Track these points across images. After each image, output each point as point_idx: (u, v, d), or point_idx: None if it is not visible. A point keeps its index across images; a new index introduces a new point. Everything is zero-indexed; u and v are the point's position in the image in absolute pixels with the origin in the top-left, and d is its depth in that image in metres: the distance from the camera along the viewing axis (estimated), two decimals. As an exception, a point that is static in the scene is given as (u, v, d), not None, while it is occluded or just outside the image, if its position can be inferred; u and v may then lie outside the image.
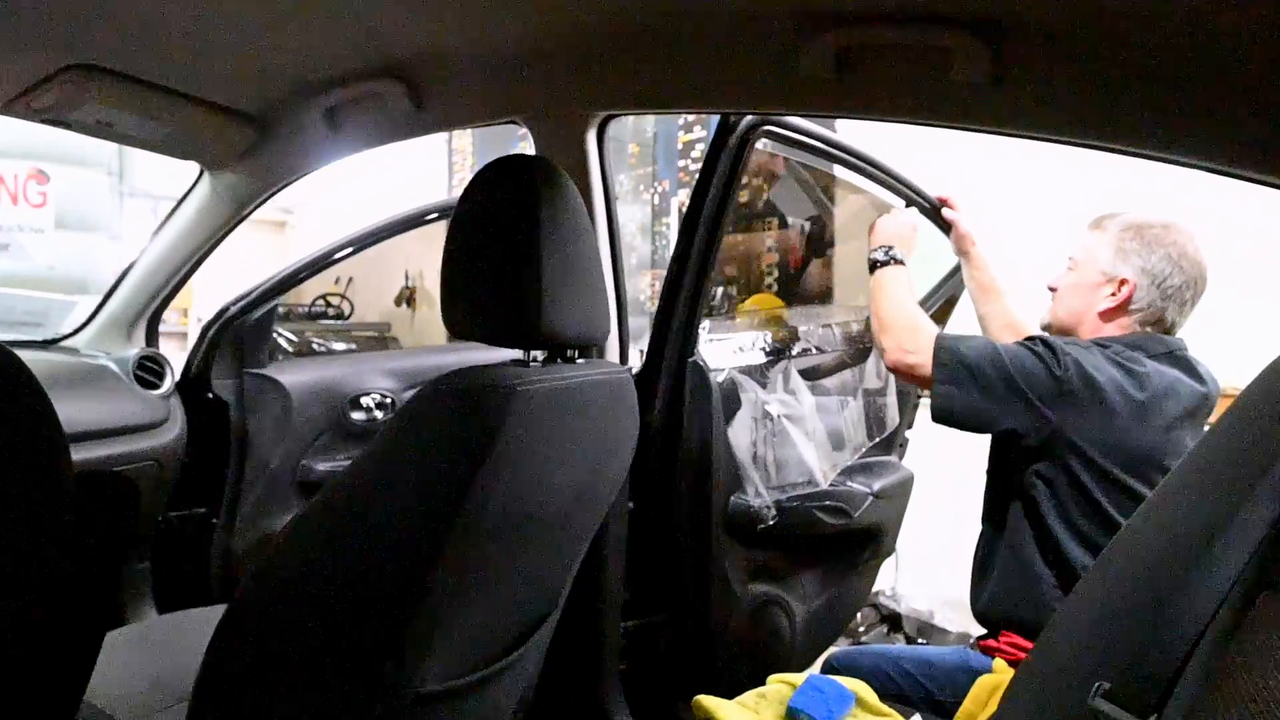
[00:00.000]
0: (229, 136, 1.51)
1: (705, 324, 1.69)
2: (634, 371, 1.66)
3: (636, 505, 1.65)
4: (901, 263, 1.70)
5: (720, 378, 1.67)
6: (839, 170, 1.95)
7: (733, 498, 1.71)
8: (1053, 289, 1.63)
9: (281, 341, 4.08)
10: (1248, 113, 0.96)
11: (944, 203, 1.96)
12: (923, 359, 1.48)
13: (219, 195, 1.69)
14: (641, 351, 1.70)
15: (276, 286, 2.12)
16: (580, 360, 1.22)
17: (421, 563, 0.97)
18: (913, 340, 1.54)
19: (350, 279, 5.58)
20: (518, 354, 1.09)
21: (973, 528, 1.82)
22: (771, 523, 1.69)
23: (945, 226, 2.03)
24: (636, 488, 1.64)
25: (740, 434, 1.71)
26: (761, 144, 1.59)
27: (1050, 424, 1.39)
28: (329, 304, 5.46)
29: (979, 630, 1.86)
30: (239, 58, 1.33)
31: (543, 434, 1.05)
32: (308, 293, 5.28)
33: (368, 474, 0.99)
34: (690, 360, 1.64)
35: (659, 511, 1.66)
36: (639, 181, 5.19)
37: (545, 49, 1.29)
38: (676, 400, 1.64)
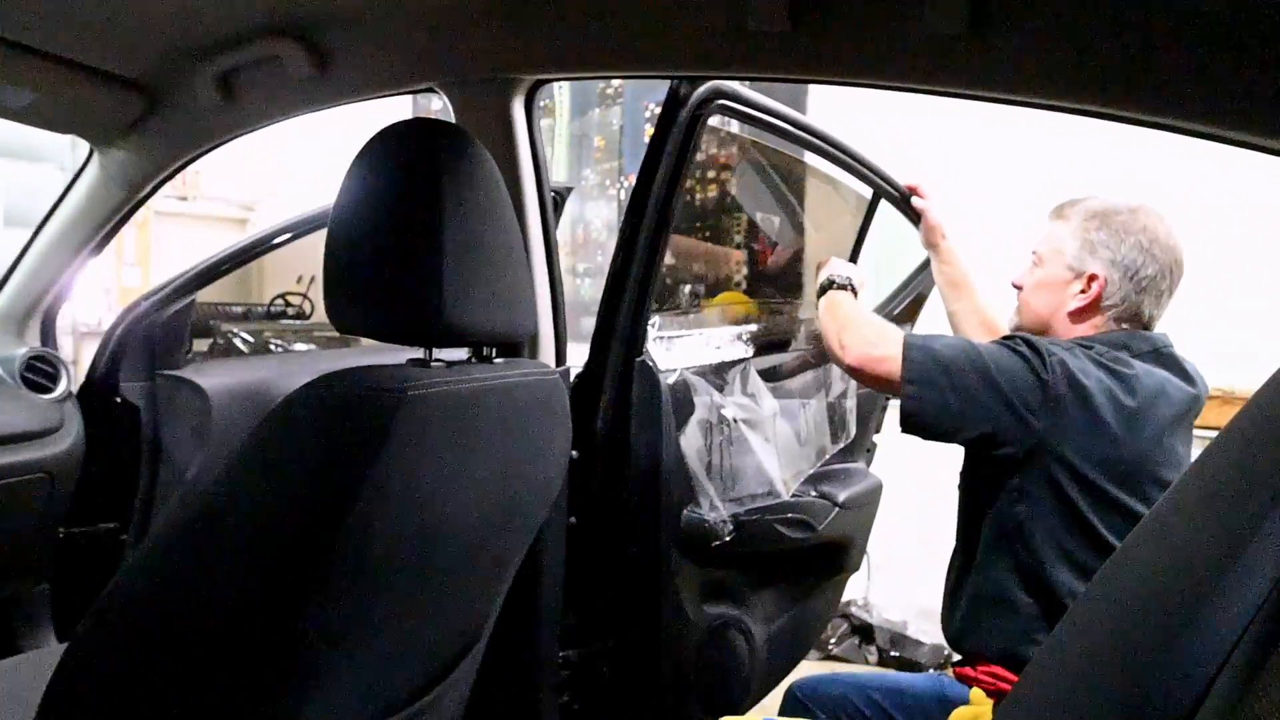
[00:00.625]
0: (113, 107, 1.34)
1: (655, 320, 1.53)
2: (577, 373, 1.51)
3: (578, 521, 1.49)
4: (854, 291, 1.57)
5: (671, 379, 1.52)
6: (809, 157, 1.80)
7: (685, 511, 1.55)
8: (1017, 286, 1.49)
9: (237, 342, 3.89)
10: (1256, 70, 0.82)
11: (913, 191, 1.82)
12: (890, 353, 1.33)
13: (110, 176, 1.51)
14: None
15: (195, 280, 1.95)
16: (500, 360, 1.06)
17: (291, 602, 0.81)
18: (879, 335, 1.40)
19: (312, 278, 5.38)
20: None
21: (948, 533, 1.68)
22: (728, 538, 1.54)
23: (914, 217, 1.89)
24: (577, 501, 1.48)
25: (693, 441, 1.56)
26: (717, 120, 1.44)
27: (1035, 433, 1.25)
28: (289, 303, 5.26)
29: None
30: (114, 14, 1.16)
31: (445, 446, 0.89)
32: (268, 292, 5.08)
33: (222, 498, 0.82)
34: (638, 360, 1.48)
35: (603, 527, 1.50)
36: (604, 176, 5.03)
37: (464, 4, 1.13)
38: (622, 404, 1.49)
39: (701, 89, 1.37)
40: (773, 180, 1.91)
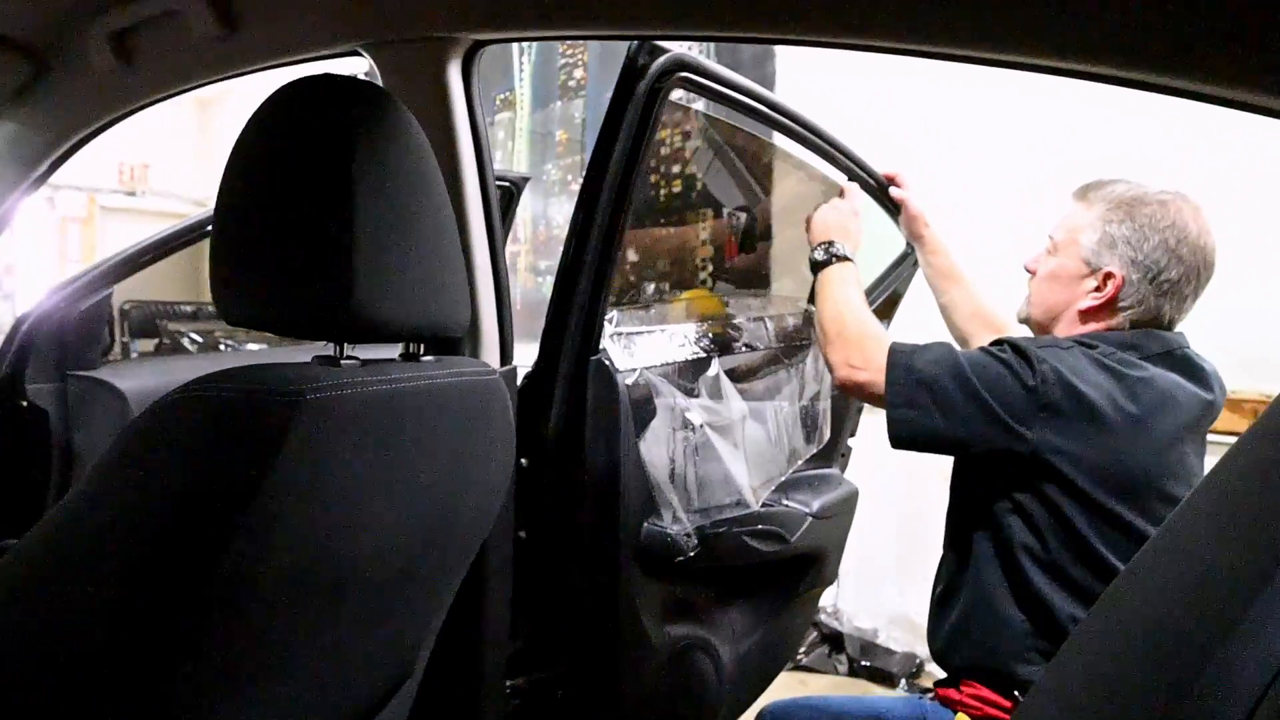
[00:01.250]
0: (-5, 71, 1.18)
1: (613, 315, 1.40)
2: (525, 373, 1.37)
3: (527, 535, 1.36)
4: (847, 259, 1.46)
5: (630, 380, 1.39)
6: (778, 139, 1.68)
7: (646, 524, 1.42)
8: (1029, 271, 1.37)
9: (185, 342, 3.72)
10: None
11: (891, 180, 1.71)
12: (874, 376, 1.25)
13: (1, 153, 1.35)
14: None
15: (110, 272, 1.78)
16: (428, 359, 0.92)
17: (163, 643, 0.67)
18: (861, 354, 1.30)
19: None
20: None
21: (921, 539, 1.57)
22: (692, 553, 1.41)
23: (894, 208, 1.77)
24: (526, 514, 1.34)
25: (655, 447, 1.43)
26: (678, 95, 1.31)
27: (1026, 444, 1.14)
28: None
29: (926, 650, 1.61)
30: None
31: (357, 458, 0.76)
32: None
33: (70, 529, 0.68)
34: (592, 359, 1.35)
35: (555, 542, 1.37)
36: (567, 171, 4.89)
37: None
38: (575, 408, 1.35)
39: (662, 59, 1.24)
40: (735, 165, 1.79)
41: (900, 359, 1.24)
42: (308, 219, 0.75)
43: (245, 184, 0.76)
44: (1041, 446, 1.13)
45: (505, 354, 1.22)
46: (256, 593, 0.70)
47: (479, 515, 1.01)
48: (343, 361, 0.79)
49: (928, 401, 1.18)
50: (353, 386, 0.75)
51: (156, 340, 3.12)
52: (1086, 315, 1.28)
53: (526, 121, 4.96)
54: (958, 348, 1.28)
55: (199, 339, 3.99)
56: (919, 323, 2.33)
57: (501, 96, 5.04)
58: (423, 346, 0.92)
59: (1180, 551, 0.67)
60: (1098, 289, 1.26)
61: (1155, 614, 0.63)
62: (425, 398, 0.84)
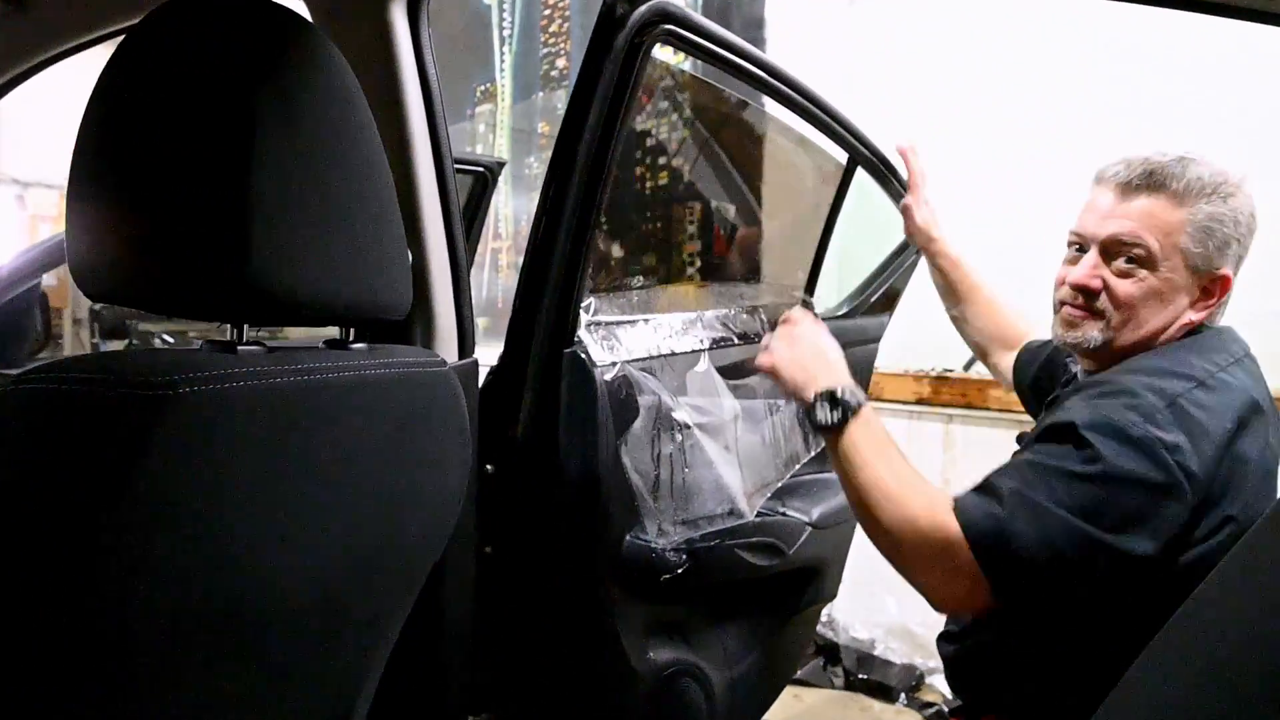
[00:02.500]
0: None
1: (590, 303, 1.25)
2: (491, 368, 1.22)
3: (494, 550, 1.20)
4: (860, 406, 1.10)
5: (609, 375, 1.23)
6: (770, 107, 1.53)
7: (628, 537, 1.27)
8: (1089, 288, 1.09)
9: (156, 342, 3.56)
10: None
11: (903, 156, 1.55)
12: (971, 582, 0.95)
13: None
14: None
15: (37, 261, 1.62)
16: (360, 347, 0.77)
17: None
18: (947, 556, 0.96)
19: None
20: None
21: None
22: (680, 570, 1.26)
23: (898, 190, 1.62)
24: (493, 526, 1.19)
25: (638, 451, 1.27)
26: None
27: (1179, 549, 0.95)
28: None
29: (926, 662, 1.45)
30: None
31: (251, 467, 0.60)
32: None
33: None
34: (566, 352, 1.20)
35: (525, 558, 1.21)
36: (550, 165, 4.73)
37: None
38: (547, 406, 1.20)
39: (643, 8, 1.09)
40: (721, 157, 1.64)
41: (987, 538, 0.94)
42: (193, 169, 0.59)
43: (113, 127, 0.61)
44: (1188, 538, 0.95)
45: (464, 345, 1.06)
46: (124, 639, 0.54)
47: (428, 531, 0.85)
48: (241, 348, 0.63)
49: (1051, 577, 0.93)
50: (248, 378, 0.59)
51: (126, 341, 2.96)
52: (1189, 327, 1.08)
53: (508, 114, 4.80)
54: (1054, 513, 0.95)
55: (170, 339, 3.83)
56: (917, 323, 2.19)
57: (482, 88, 4.89)
58: (352, 333, 0.77)
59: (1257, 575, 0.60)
60: (1207, 296, 1.07)
61: (1228, 646, 0.57)
62: (349, 392, 0.69)
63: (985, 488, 1.00)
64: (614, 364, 1.25)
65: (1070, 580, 0.94)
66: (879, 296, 1.92)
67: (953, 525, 0.96)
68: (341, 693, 0.84)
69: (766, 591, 1.47)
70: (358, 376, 0.69)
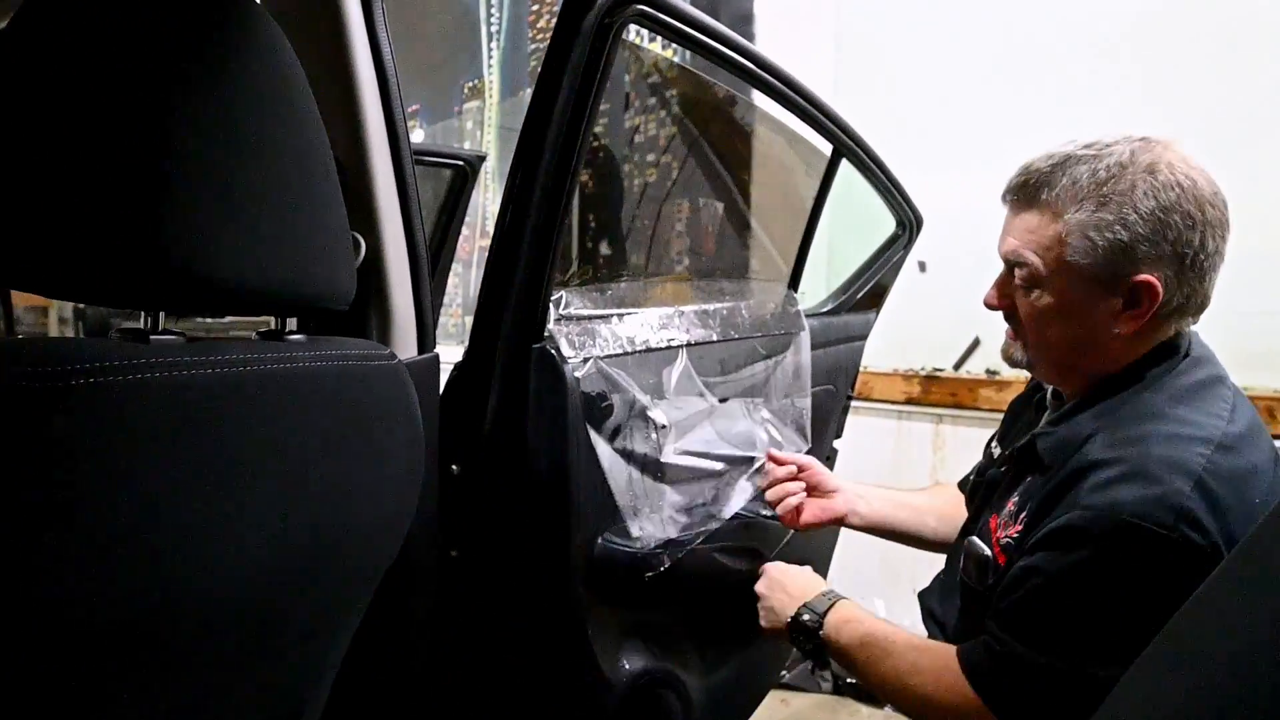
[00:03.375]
0: None
1: (560, 295, 1.20)
2: (456, 363, 1.17)
3: (461, 554, 1.16)
4: (836, 600, 1.18)
5: (582, 371, 1.18)
6: (753, 95, 1.48)
7: (600, 539, 1.22)
8: (996, 306, 1.09)
9: None
10: None
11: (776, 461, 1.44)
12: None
13: None
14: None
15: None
16: (298, 337, 0.72)
17: None
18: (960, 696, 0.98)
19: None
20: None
21: (909, 548, 1.37)
22: (655, 574, 1.21)
23: (888, 187, 1.58)
24: (460, 529, 1.14)
25: (611, 451, 1.22)
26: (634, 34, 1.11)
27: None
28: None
29: None
30: None
31: (162, 466, 0.55)
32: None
33: None
34: (535, 348, 1.15)
35: (493, 562, 1.16)
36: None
37: None
38: (515, 404, 1.15)
39: (613, -13, 1.04)
40: (709, 155, 1.60)
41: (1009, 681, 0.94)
42: (99, 140, 0.54)
43: (12, 96, 0.56)
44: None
45: (424, 339, 1.01)
46: (18, 652, 0.49)
47: (374, 534, 0.80)
48: (155, 338, 0.58)
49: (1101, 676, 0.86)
50: (159, 369, 0.54)
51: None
52: (1125, 340, 1.00)
53: (496, 111, 4.75)
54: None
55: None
56: (906, 321, 2.15)
57: (470, 85, 4.84)
58: (291, 323, 0.72)
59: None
60: (1130, 305, 0.98)
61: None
62: (278, 386, 0.64)
63: (995, 654, 0.97)
64: (586, 359, 1.20)
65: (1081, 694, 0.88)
66: (865, 293, 1.88)
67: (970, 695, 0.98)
68: (286, 707, 0.79)
69: (748, 597, 1.42)
70: (288, 369, 0.64)
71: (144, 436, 0.53)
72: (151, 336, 0.58)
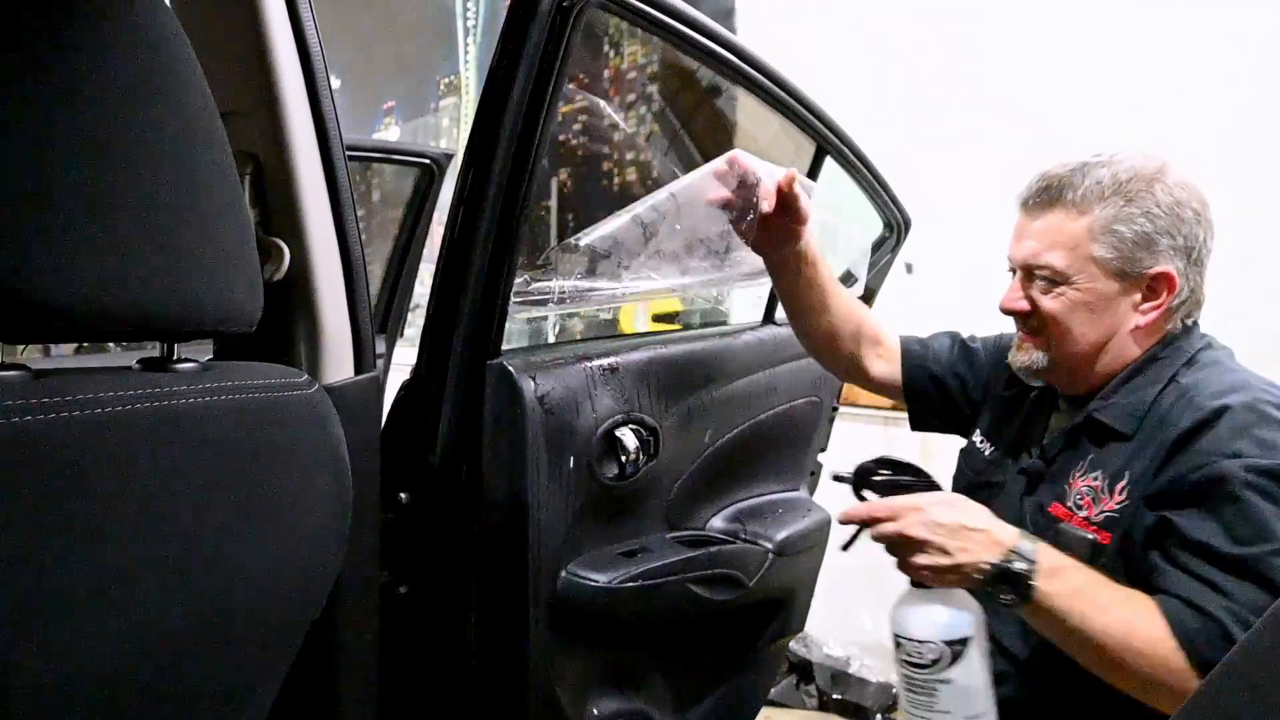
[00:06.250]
0: None
1: (523, 276, 1.09)
2: (403, 382, 1.07)
3: (410, 589, 1.05)
4: (1034, 564, 0.92)
5: (544, 387, 1.08)
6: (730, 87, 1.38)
7: (564, 572, 1.12)
8: (1018, 311, 1.08)
9: (112, 344, 3.39)
10: None
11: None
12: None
13: None
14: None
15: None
16: (187, 365, 0.61)
17: None
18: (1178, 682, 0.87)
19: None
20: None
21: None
22: (625, 610, 1.11)
23: (878, 189, 1.49)
24: (409, 563, 1.04)
25: (574, 474, 1.12)
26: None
27: None
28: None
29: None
30: None
31: (17, 529, 0.45)
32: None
33: None
34: (491, 364, 1.05)
35: (446, 599, 1.06)
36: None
37: None
38: (469, 426, 1.05)
39: (572, -33, 0.94)
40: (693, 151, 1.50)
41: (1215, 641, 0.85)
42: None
43: None
44: None
45: (361, 358, 0.90)
46: None
47: (291, 583, 0.70)
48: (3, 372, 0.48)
49: None
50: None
51: (76, 345, 2.78)
52: (1144, 332, 1.04)
53: (472, 107, 4.64)
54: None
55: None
56: (894, 323, 2.05)
57: (446, 80, 4.72)
58: (177, 349, 0.61)
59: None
60: (1149, 297, 1.03)
61: None
62: (156, 429, 0.53)
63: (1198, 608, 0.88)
64: (545, 369, 1.09)
65: None
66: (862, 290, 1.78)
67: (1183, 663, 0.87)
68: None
69: (724, 628, 1.33)
70: (167, 407, 0.54)
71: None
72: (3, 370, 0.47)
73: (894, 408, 2.89)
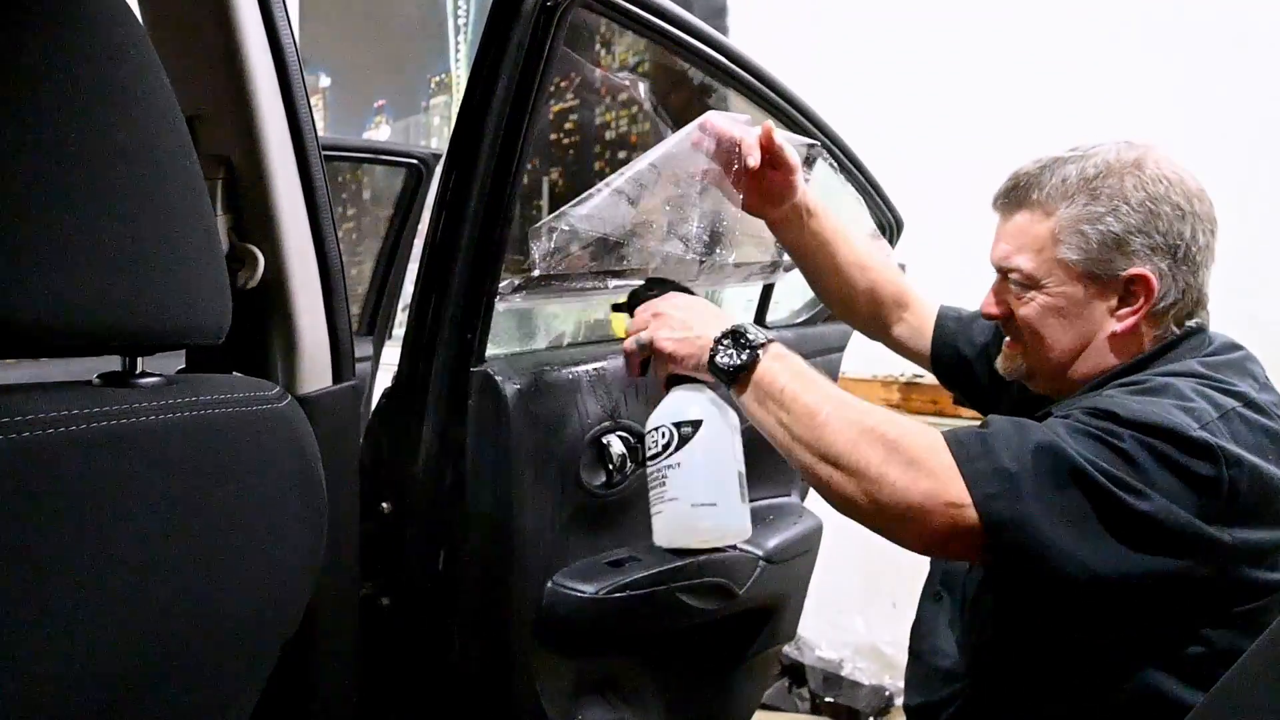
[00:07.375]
0: None
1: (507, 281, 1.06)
2: (385, 390, 1.05)
3: (393, 601, 1.03)
4: (768, 340, 0.93)
5: (528, 396, 1.06)
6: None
7: (550, 583, 1.10)
8: (996, 316, 1.05)
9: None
10: None
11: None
12: (962, 492, 0.81)
13: None
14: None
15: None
16: (151, 379, 0.59)
17: None
18: (930, 454, 0.84)
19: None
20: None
21: (890, 560, 1.24)
22: (613, 620, 1.09)
23: (872, 194, 1.47)
24: (391, 574, 1.02)
25: (560, 483, 1.10)
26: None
27: (1218, 559, 0.82)
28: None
29: (896, 682, 1.26)
30: None
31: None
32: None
33: None
34: (475, 371, 1.03)
35: (430, 611, 1.04)
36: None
37: None
38: (452, 435, 1.03)
39: (554, -34, 0.91)
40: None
41: (1002, 456, 0.81)
42: None
43: None
44: (1234, 553, 0.82)
45: (340, 368, 0.88)
46: None
47: (261, 603, 0.68)
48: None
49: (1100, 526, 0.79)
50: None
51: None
52: (1122, 339, 0.98)
53: (464, 105, 4.61)
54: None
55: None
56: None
57: (436, 79, 4.69)
58: (141, 363, 0.58)
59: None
60: (1127, 301, 0.97)
61: None
62: (109, 449, 0.51)
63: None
64: (528, 375, 1.07)
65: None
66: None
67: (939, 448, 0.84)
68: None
69: (713, 638, 1.31)
70: (121, 426, 0.51)
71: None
72: None
73: (894, 408, 2.88)
